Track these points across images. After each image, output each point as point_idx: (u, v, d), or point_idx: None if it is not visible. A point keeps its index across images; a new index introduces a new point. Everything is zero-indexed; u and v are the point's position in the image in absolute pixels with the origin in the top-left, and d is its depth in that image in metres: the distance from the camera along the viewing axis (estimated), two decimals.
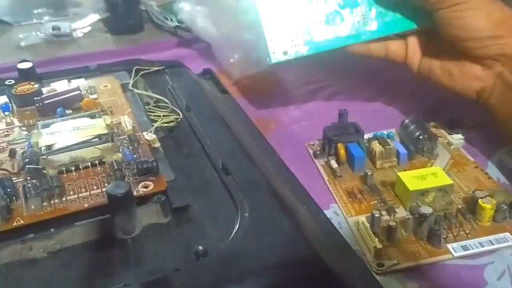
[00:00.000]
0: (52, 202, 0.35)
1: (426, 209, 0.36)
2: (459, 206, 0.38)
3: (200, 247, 0.32)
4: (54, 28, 0.70)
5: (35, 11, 0.76)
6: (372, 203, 0.40)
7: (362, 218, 0.37)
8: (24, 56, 0.63)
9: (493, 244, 0.36)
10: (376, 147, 0.43)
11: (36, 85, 0.47)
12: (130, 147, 0.40)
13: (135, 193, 0.35)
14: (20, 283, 0.31)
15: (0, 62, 0.64)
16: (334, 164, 0.43)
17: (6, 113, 0.45)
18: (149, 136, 0.41)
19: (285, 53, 0.45)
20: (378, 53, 0.47)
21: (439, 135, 0.46)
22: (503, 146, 0.45)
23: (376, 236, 0.35)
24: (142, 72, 0.52)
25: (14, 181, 0.36)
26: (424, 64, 0.46)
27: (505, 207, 0.37)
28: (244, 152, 0.41)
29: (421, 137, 0.44)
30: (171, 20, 0.70)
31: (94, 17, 0.74)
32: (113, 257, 0.33)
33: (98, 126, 0.41)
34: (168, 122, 0.44)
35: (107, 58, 0.58)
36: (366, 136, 0.45)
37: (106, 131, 0.40)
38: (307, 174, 0.43)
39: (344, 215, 0.39)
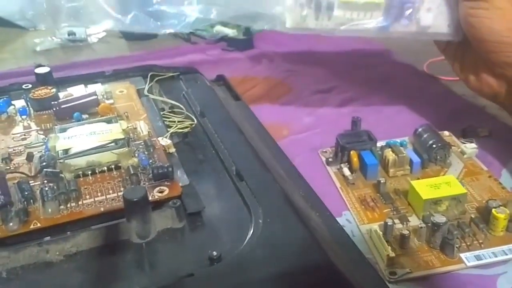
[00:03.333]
0: (68, 205, 0.35)
1: (439, 218, 0.36)
2: (473, 216, 0.38)
3: (214, 252, 0.32)
4: (69, 34, 0.71)
5: None
6: (385, 211, 0.40)
7: (375, 226, 0.37)
8: (40, 61, 0.63)
9: (506, 254, 0.36)
10: (389, 155, 0.43)
11: (53, 90, 0.48)
12: (146, 152, 0.40)
13: (150, 198, 0.35)
14: (36, 286, 0.32)
15: (16, 67, 0.65)
16: (346, 171, 0.43)
17: (24, 116, 0.46)
18: (164, 141, 0.42)
19: None
20: None
21: (452, 144, 0.46)
22: None
23: (388, 245, 0.35)
24: (157, 78, 0.52)
25: (31, 184, 0.37)
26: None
27: None
28: (257, 158, 0.41)
29: (434, 145, 0.44)
30: None
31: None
32: (128, 261, 0.33)
33: (114, 131, 0.41)
34: (182, 128, 0.45)
35: (121, 64, 0.58)
36: (379, 144, 0.45)
37: (122, 136, 0.41)
38: (320, 181, 0.43)
39: (356, 222, 0.39)
